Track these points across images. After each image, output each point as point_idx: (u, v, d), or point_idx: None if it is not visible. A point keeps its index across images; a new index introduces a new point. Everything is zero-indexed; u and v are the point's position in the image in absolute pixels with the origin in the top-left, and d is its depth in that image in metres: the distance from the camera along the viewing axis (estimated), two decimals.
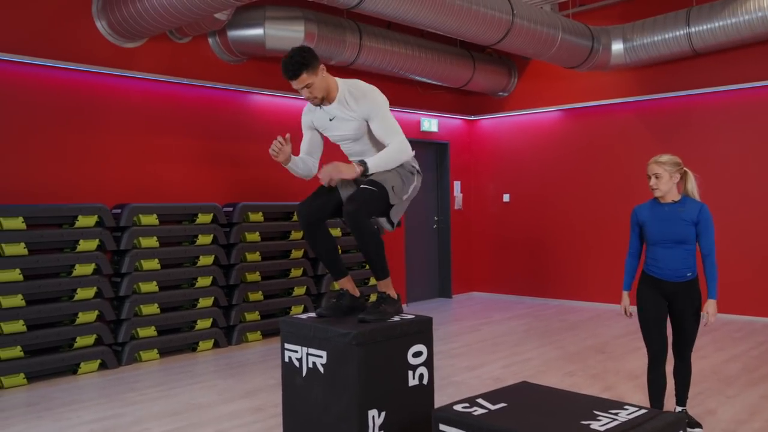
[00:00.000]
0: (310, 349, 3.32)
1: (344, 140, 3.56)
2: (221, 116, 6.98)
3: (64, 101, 5.88)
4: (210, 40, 6.80)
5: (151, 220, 6.00)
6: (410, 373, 3.29)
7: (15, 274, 5.22)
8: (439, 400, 4.37)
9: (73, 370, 5.54)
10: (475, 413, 2.60)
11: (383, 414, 3.17)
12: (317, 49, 6.73)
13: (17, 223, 5.24)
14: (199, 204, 6.38)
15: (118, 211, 5.94)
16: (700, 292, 3.64)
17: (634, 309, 3.84)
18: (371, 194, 3.31)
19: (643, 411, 2.59)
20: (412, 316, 3.41)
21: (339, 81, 3.44)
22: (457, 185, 9.74)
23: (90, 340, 5.61)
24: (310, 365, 3.32)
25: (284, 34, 6.56)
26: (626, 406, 2.66)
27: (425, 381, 3.36)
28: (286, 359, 3.46)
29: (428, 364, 3.38)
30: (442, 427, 2.64)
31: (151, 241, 5.99)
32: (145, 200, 6.35)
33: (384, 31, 7.43)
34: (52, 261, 5.43)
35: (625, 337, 6.67)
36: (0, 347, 5.14)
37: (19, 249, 5.25)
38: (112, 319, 5.81)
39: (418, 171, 3.56)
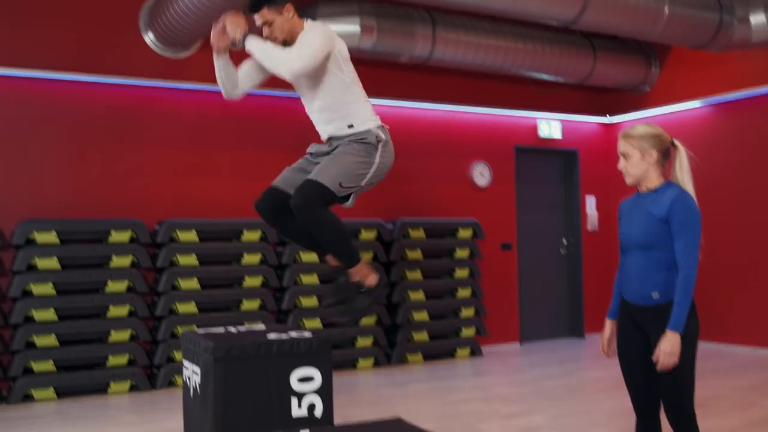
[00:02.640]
0: (193, 366, 3.37)
1: (299, 87, 3.64)
2: (282, 126, 7.28)
3: (113, 116, 6.54)
4: None
5: (190, 236, 6.42)
6: (294, 400, 3.21)
7: (48, 288, 5.88)
8: None
9: (103, 389, 6.08)
10: None
11: None
12: (379, 45, 6.83)
13: (51, 237, 5.92)
14: (245, 220, 6.70)
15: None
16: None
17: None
18: (319, 189, 3.40)
19: None
20: (307, 335, 3.33)
21: (307, 25, 3.54)
22: (590, 201, 9.16)
23: (123, 359, 6.12)
24: (193, 383, 3.37)
25: (338, 29, 6.71)
26: None
27: (318, 413, 3.25)
28: (185, 378, 3.55)
29: (324, 393, 3.26)
30: None
31: (190, 259, 6.41)
32: (196, 216, 6.80)
33: (463, 20, 7.29)
34: (85, 276, 6.04)
35: (760, 389, 5.82)
36: (33, 360, 5.80)
37: (52, 263, 5.92)
38: (147, 340, 6.28)
39: (381, 141, 3.56)
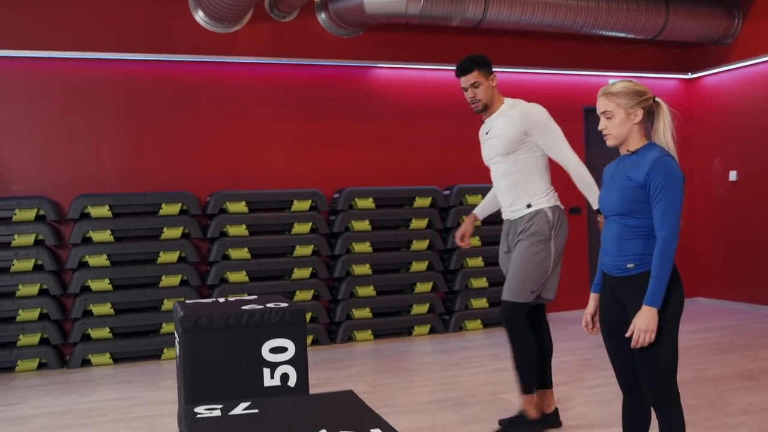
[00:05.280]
0: (177, 336, 3.40)
1: (495, 156, 3.97)
2: (330, 95, 7.21)
3: (164, 92, 6.69)
4: (321, 16, 7.10)
5: (239, 207, 6.51)
6: (266, 370, 3.18)
7: (102, 260, 6.14)
8: (480, 415, 4.07)
9: (157, 354, 6.31)
10: (206, 415, 2.47)
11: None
12: (427, 9, 6.64)
13: (104, 210, 6.15)
14: (295, 190, 6.72)
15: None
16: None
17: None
18: (513, 307, 3.92)
19: None
20: (284, 305, 3.28)
21: (506, 99, 4.01)
22: None
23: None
24: (178, 353, 3.41)
25: None
26: (373, 430, 2.25)
27: (291, 383, 3.21)
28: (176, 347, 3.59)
29: (298, 363, 3.21)
30: (179, 425, 2.56)
31: (239, 230, 6.51)
32: (248, 187, 6.88)
33: None
34: (137, 248, 6.25)
35: None
36: (91, 327, 6.09)
37: (106, 236, 6.16)
38: None
39: (554, 228, 3.88)
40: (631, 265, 2.77)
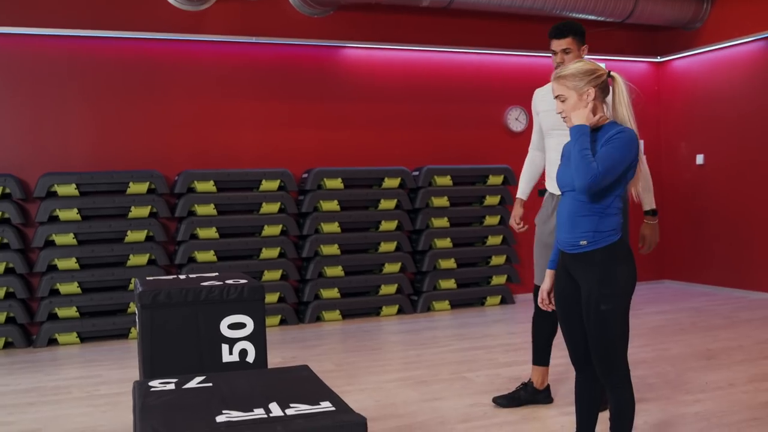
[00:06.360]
0: (137, 309, 3.43)
1: (565, 130, 3.85)
2: (298, 75, 7.22)
3: (133, 70, 6.66)
4: None
5: (207, 186, 6.52)
6: (225, 346, 3.22)
7: (69, 239, 6.12)
8: (441, 393, 4.13)
9: (125, 334, 6.32)
10: (160, 388, 2.52)
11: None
12: None
13: (70, 189, 6.13)
14: (264, 169, 6.74)
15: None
16: (610, 274, 2.77)
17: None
18: None
19: (329, 409, 2.24)
20: (243, 281, 3.32)
21: None
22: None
23: None
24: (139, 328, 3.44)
25: None
26: (323, 403, 2.31)
27: (250, 358, 3.25)
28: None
29: (256, 339, 3.26)
30: (133, 398, 2.60)
31: (207, 209, 6.51)
32: (217, 166, 6.89)
33: None
34: (105, 227, 6.24)
35: None
36: (57, 306, 6.09)
37: (73, 214, 6.14)
38: None
39: None
40: (584, 242, 2.83)
